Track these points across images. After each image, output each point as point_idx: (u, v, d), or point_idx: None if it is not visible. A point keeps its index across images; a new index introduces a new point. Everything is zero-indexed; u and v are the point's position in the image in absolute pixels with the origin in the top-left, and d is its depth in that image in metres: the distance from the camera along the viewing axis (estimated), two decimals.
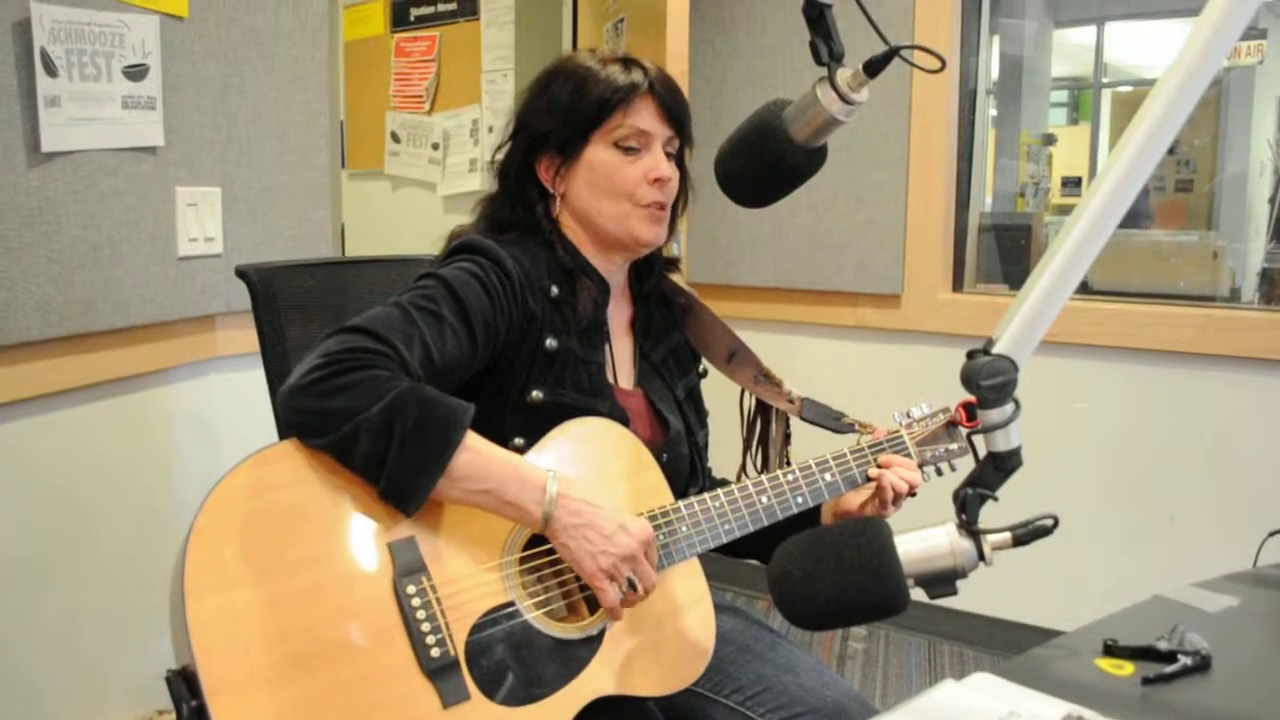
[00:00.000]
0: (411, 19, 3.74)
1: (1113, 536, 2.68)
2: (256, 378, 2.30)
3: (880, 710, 1.41)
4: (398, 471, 1.03)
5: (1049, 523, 0.98)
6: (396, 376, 1.06)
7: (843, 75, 1.09)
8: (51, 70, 1.74)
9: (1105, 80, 6.88)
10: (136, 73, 1.90)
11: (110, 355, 1.96)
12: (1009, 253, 3.30)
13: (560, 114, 1.29)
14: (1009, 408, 0.95)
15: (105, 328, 1.90)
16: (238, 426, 2.29)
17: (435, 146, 3.73)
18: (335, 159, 2.42)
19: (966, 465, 1.37)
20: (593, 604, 1.17)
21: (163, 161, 1.99)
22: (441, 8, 3.67)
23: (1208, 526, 2.59)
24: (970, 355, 0.96)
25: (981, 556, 0.96)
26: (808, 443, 1.43)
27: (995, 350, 0.94)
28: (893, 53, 1.08)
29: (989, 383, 0.94)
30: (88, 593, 2.00)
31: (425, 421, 1.04)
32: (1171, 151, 5.46)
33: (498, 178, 1.36)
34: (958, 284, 3.03)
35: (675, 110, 1.31)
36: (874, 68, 1.09)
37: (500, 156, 1.36)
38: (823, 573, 0.95)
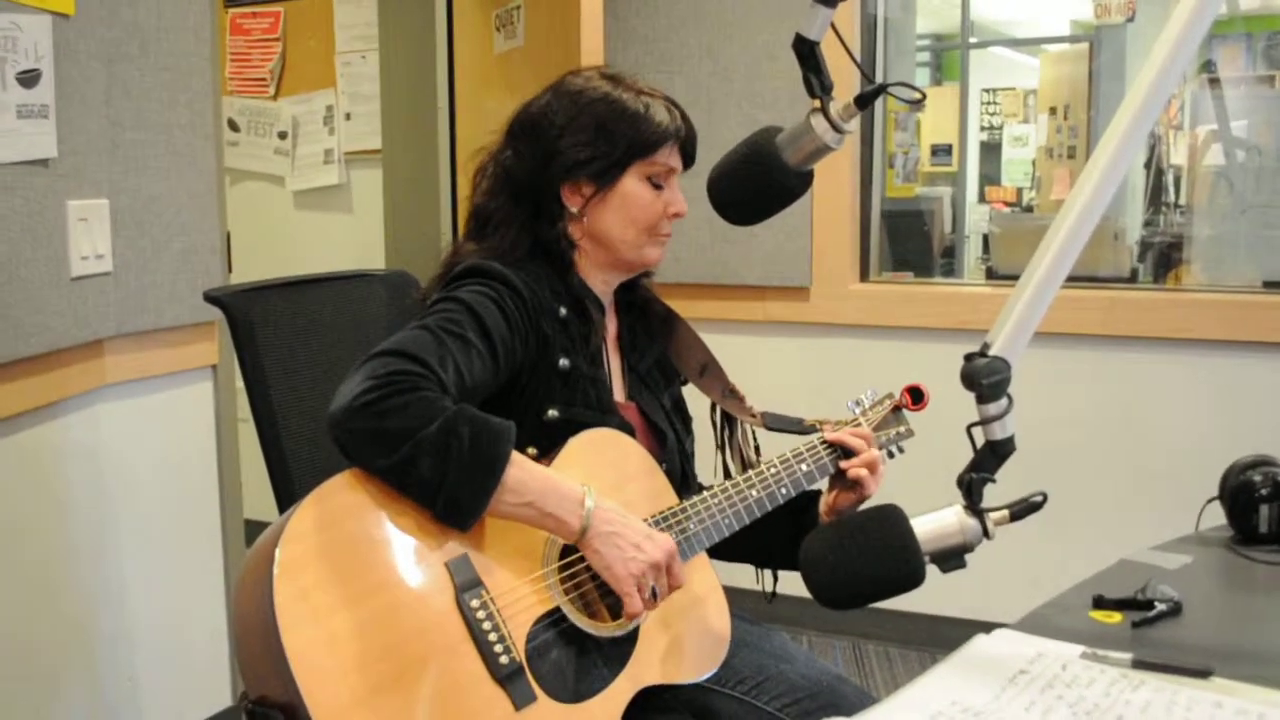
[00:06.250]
0: None
1: (1031, 522, 3.11)
2: (144, 405, 2.46)
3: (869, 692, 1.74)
4: (456, 490, 1.28)
5: (1039, 499, 1.32)
6: (442, 398, 1.31)
7: (835, 107, 1.40)
8: None
9: (973, 40, 7.52)
10: (29, 79, 2.04)
11: (3, 390, 2.07)
12: (912, 240, 3.73)
13: (604, 144, 1.55)
14: (1004, 402, 1.28)
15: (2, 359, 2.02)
16: (128, 458, 2.43)
17: (282, 136, 3.88)
18: (221, 162, 2.58)
19: (911, 445, 1.71)
20: (614, 610, 1.45)
21: (54, 173, 2.13)
22: None
23: (1126, 503, 3.05)
24: (968, 358, 1.29)
25: (986, 532, 1.29)
26: (776, 446, 1.74)
27: (991, 353, 1.27)
28: (880, 89, 1.41)
29: (988, 381, 1.27)
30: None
31: (478, 440, 1.29)
32: (1054, 112, 6.05)
33: (511, 194, 1.59)
34: (864, 274, 3.43)
35: (692, 153, 1.62)
36: (864, 101, 1.40)
37: (515, 172, 1.59)
38: (853, 557, 1.26)
